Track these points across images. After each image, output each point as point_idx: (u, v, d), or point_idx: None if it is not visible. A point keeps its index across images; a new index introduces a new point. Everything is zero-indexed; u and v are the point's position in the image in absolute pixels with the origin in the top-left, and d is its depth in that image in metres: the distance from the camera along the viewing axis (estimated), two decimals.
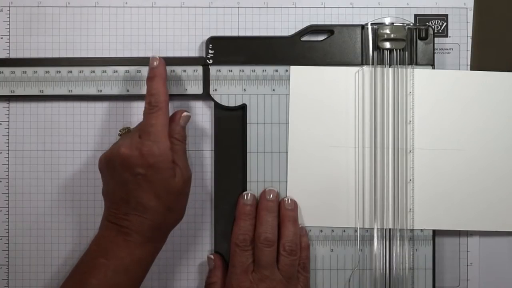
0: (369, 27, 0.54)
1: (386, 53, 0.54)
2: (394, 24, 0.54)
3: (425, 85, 0.54)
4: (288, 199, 0.54)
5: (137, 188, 0.49)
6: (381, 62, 0.54)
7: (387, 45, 0.54)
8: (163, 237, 0.51)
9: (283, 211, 0.53)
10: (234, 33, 0.56)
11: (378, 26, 0.54)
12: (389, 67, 0.54)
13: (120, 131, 0.54)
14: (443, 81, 0.54)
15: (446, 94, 0.54)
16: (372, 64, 0.54)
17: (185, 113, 0.52)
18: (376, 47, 0.54)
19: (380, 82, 0.54)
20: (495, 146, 0.54)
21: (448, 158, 0.54)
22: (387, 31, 0.54)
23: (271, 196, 0.53)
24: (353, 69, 0.54)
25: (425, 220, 0.54)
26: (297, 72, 0.54)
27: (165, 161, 0.49)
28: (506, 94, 0.54)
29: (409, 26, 0.54)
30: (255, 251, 0.52)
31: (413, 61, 0.54)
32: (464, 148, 0.54)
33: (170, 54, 0.56)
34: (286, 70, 0.54)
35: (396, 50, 0.54)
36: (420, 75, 0.54)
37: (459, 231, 0.56)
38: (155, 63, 0.52)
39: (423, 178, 0.54)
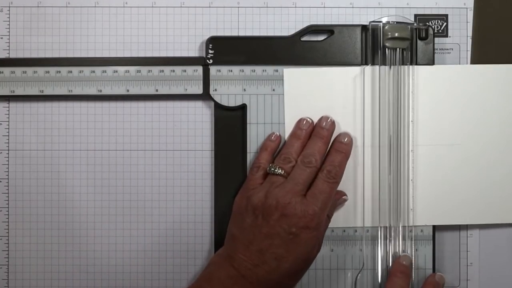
0: (371, 26, 0.54)
1: (387, 52, 0.54)
2: (400, 22, 0.54)
3: (426, 83, 0.54)
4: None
5: (282, 246, 0.47)
6: (382, 61, 0.54)
7: (392, 43, 0.53)
8: None
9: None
10: (234, 33, 0.56)
11: (383, 25, 0.53)
12: (390, 66, 0.54)
13: (271, 167, 0.51)
14: (443, 77, 0.54)
15: (447, 90, 0.54)
16: (373, 63, 0.54)
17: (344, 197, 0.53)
18: (377, 46, 0.54)
19: (380, 82, 0.54)
20: (496, 140, 0.54)
21: (449, 153, 0.54)
22: (393, 30, 0.53)
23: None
24: (353, 69, 0.54)
25: (426, 217, 0.54)
26: (293, 74, 0.54)
27: (321, 230, 0.49)
28: (506, 87, 0.54)
29: (410, 26, 0.54)
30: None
31: (413, 61, 0.54)
32: (465, 142, 0.54)
33: (170, 54, 0.56)
34: None
35: (396, 49, 0.54)
36: (420, 72, 0.54)
37: (459, 226, 0.55)
38: (345, 139, 0.52)
39: (424, 176, 0.54)
